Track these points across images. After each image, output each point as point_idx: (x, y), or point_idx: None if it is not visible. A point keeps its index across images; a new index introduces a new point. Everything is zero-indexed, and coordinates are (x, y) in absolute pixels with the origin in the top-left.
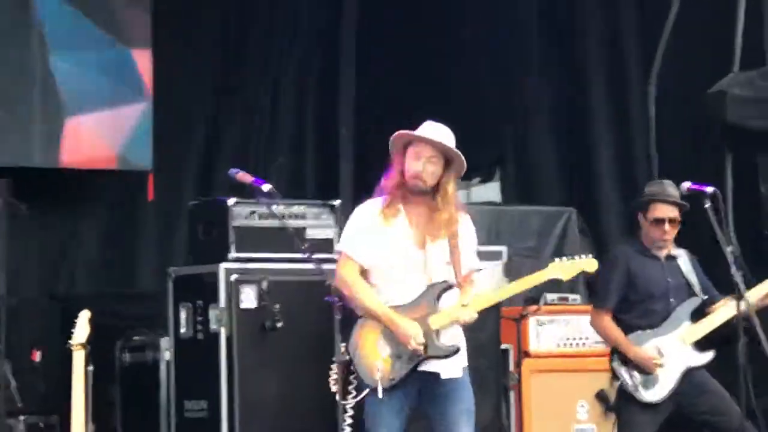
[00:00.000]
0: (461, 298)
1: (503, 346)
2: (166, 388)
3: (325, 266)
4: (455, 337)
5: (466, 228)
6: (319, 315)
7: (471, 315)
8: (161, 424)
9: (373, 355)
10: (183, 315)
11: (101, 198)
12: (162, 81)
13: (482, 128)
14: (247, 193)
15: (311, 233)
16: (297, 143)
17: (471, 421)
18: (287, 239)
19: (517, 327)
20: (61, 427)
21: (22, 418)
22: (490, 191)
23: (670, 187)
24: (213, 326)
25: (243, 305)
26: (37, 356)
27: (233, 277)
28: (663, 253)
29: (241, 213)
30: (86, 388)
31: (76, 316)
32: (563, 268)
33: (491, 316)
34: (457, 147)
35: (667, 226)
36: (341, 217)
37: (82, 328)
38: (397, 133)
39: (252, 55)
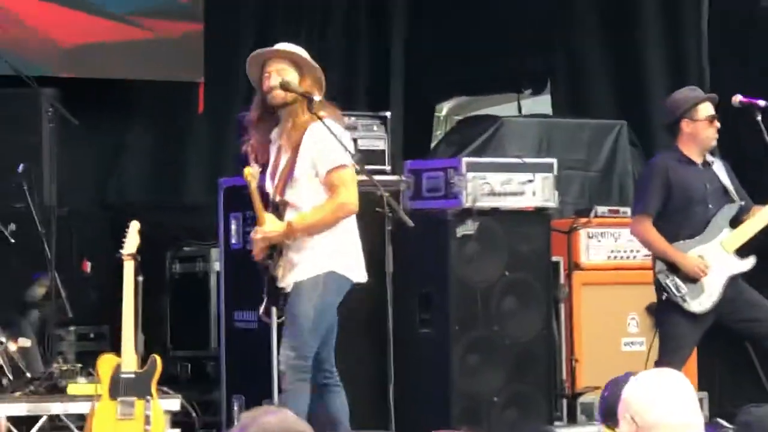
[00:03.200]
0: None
1: (553, 259)
2: (216, 298)
3: (377, 177)
4: (300, 250)
5: (309, 135)
6: (370, 226)
7: (267, 229)
8: (211, 334)
9: None
10: (233, 226)
11: (152, 109)
12: None
13: (534, 40)
14: None
15: (362, 144)
16: (348, 58)
17: (293, 325)
18: None
19: (567, 239)
20: (111, 337)
21: (72, 328)
22: (541, 104)
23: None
24: None
25: None
26: (88, 266)
27: None
28: (700, 160)
29: None
30: (136, 298)
31: (126, 227)
32: None
33: (541, 228)
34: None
35: (717, 123)
36: (392, 129)
37: (132, 238)
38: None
39: None
